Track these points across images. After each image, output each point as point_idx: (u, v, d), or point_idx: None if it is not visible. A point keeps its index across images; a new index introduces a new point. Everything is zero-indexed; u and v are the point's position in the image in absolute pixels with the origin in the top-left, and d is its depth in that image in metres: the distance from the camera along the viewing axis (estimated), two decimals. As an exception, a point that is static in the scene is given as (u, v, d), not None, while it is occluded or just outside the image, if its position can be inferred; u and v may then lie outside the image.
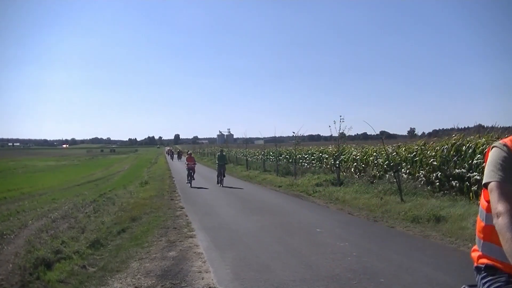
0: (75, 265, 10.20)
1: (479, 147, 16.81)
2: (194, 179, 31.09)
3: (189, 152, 32.90)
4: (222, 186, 29.03)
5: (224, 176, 31.00)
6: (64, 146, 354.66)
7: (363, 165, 26.24)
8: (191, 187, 28.55)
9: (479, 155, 16.46)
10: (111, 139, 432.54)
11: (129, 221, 15.53)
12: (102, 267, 9.95)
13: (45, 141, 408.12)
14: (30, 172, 71.07)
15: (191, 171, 31.15)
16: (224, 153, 34.46)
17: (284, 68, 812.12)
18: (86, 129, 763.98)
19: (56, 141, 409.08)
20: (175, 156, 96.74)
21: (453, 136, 18.96)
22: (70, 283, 8.95)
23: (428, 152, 19.60)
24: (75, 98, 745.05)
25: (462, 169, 16.83)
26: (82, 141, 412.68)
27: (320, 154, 34.53)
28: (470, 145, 17.37)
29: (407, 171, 20.94)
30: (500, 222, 2.41)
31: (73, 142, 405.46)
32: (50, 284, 8.91)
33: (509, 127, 20.14)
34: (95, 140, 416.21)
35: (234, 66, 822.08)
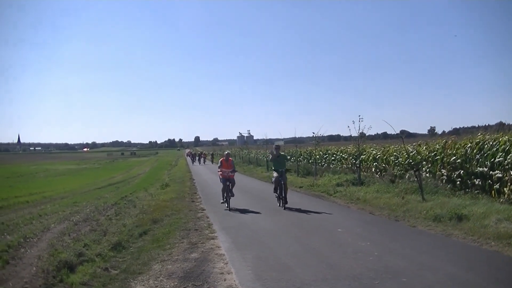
0: (97, 268, 10.25)
1: (502, 145, 16.70)
2: (233, 195, 20.45)
3: (226, 153, 21.90)
4: (285, 208, 18.48)
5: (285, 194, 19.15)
6: (85, 149, 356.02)
7: (383, 165, 26.14)
8: (230, 210, 18.73)
9: (501, 153, 16.35)
10: (132, 142, 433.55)
11: (150, 223, 15.57)
12: (124, 269, 9.99)
13: (66, 145, 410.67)
14: (51, 176, 71.69)
15: (228, 183, 20.15)
16: (282, 152, 22.59)
17: (303, 69, 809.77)
18: (106, 132, 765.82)
19: (77, 144, 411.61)
20: (197, 158, 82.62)
21: (479, 135, 18.84)
22: (93, 285, 9.00)
23: (449, 150, 19.48)
24: (96, 102, 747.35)
25: (484, 168, 16.72)
26: (103, 145, 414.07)
27: (340, 154, 34.45)
28: (493, 143, 17.26)
29: (428, 170, 20.82)
30: None
31: (93, 145, 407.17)
32: (73, 287, 8.96)
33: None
34: (116, 143, 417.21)
35: (253, 68, 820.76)
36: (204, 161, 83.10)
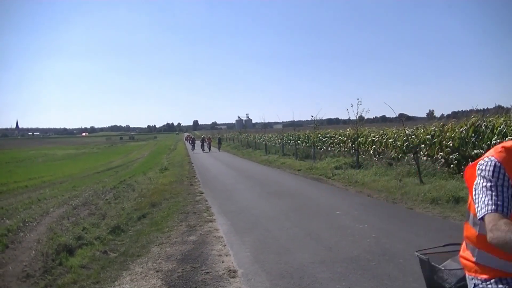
0: (96, 251, 10.33)
1: (498, 127, 16.71)
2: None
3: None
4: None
5: None
6: (84, 134, 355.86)
7: (382, 148, 26.16)
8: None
9: (497, 136, 16.37)
10: (130, 126, 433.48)
11: (149, 207, 15.64)
12: (123, 252, 10.06)
13: (65, 129, 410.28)
14: (50, 161, 71.75)
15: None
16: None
17: (302, 53, 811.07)
18: (105, 117, 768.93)
19: (75, 129, 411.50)
20: (198, 143, 66.98)
21: (472, 117, 18.83)
22: (92, 268, 9.06)
23: (447, 133, 19.50)
24: (94, 87, 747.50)
25: (481, 150, 16.74)
26: (101, 129, 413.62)
27: (339, 137, 34.49)
28: (488, 125, 17.27)
29: (426, 153, 20.86)
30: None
31: (92, 130, 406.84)
32: (72, 270, 9.01)
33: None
34: (114, 128, 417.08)
35: (251, 52, 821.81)
36: (209, 148, 66.22)
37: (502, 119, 17.11)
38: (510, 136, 15.81)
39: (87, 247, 10.79)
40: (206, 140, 69.10)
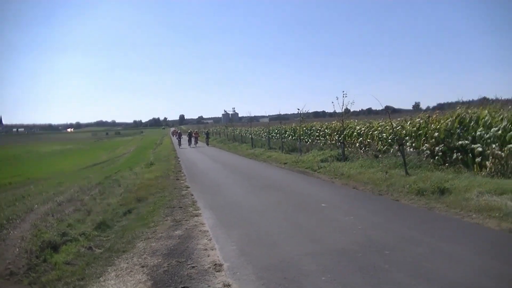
0: (81, 247, 10.28)
1: (482, 118, 16.78)
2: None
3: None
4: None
5: None
6: (69, 130, 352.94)
7: (368, 140, 26.19)
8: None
9: (482, 127, 16.43)
10: (116, 121, 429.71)
11: (135, 202, 15.60)
12: (108, 248, 10.02)
13: (50, 125, 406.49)
14: (35, 158, 71.37)
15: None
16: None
17: (288, 46, 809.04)
18: (90, 112, 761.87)
19: (60, 125, 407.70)
20: (185, 138, 64.89)
21: (457, 109, 18.89)
22: (77, 264, 9.03)
23: (432, 125, 19.55)
24: (79, 82, 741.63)
25: (466, 141, 16.80)
26: (87, 125, 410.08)
27: (325, 130, 34.50)
28: (473, 117, 17.34)
29: (412, 144, 20.90)
30: None
31: (77, 125, 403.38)
32: (57, 266, 8.97)
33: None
34: (100, 123, 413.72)
35: (237, 45, 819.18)
36: (196, 142, 62.21)
37: (486, 110, 17.19)
38: (494, 127, 15.88)
39: (72, 243, 10.72)
40: (194, 134, 64.69)
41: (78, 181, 28.13)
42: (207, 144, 60.49)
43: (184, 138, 66.18)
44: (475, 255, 7.65)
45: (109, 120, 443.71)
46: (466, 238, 8.74)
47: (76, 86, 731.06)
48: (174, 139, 76.95)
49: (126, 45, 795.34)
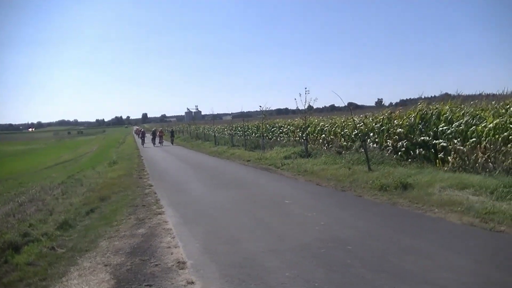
0: (43, 247, 10.16)
1: (444, 114, 17.01)
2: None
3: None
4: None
5: None
6: (30, 129, 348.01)
7: (331, 137, 26.34)
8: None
9: (443, 123, 16.64)
10: (78, 120, 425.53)
11: (97, 201, 15.49)
12: (71, 247, 9.92)
13: (10, 125, 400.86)
14: (-4, 158, 70.38)
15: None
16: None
17: (250, 43, 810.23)
18: (52, 111, 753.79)
19: (21, 125, 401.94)
20: (149, 137, 61.62)
21: (419, 105, 19.10)
22: (39, 265, 8.91)
23: (395, 121, 19.74)
24: (39, 80, 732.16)
25: (427, 137, 17.00)
26: (49, 124, 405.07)
27: (288, 127, 34.63)
28: (435, 112, 17.55)
29: (375, 140, 21.07)
30: None
31: (39, 125, 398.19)
32: (18, 267, 8.87)
33: (472, 94, 20.42)
34: (62, 123, 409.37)
35: (199, 42, 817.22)
36: (161, 142, 58.97)
37: (447, 106, 17.43)
38: (456, 122, 16.10)
39: (33, 243, 10.62)
40: (158, 133, 60.63)
41: (40, 181, 27.91)
42: (172, 143, 58.27)
43: (148, 137, 63.62)
44: (438, 249, 7.71)
45: (71, 119, 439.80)
46: (428, 232, 8.82)
47: (36, 84, 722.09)
48: (138, 138, 74.13)
49: (87, 42, 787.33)
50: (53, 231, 11.69)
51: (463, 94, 20.38)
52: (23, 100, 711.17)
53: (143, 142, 59.34)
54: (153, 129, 66.11)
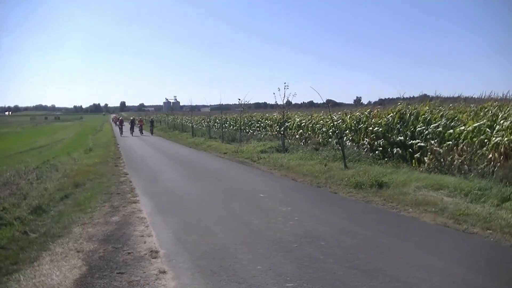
0: (16, 231, 10.10)
1: (422, 114, 17.16)
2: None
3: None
4: None
5: None
6: (6, 113, 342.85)
7: (308, 133, 26.44)
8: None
9: (421, 123, 16.79)
10: (56, 106, 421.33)
11: (72, 188, 15.40)
12: (44, 232, 9.87)
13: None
14: (-31, 140, 69.61)
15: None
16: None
17: (230, 35, 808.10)
18: (29, 96, 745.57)
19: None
20: (127, 126, 60.80)
21: (398, 105, 19.25)
22: (11, 248, 8.86)
23: (373, 120, 19.86)
24: (17, 63, 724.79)
25: (405, 137, 17.13)
26: (26, 108, 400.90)
27: (266, 121, 34.72)
28: (413, 112, 17.70)
29: (351, 138, 21.18)
30: None
31: (16, 109, 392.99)
32: (-11, 251, 8.81)
33: (451, 96, 20.63)
34: (39, 108, 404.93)
35: (178, 32, 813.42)
36: (141, 132, 56.71)
37: (427, 107, 17.59)
38: (434, 123, 16.25)
39: (6, 227, 10.55)
40: (138, 122, 58.74)
41: (14, 165, 27.60)
42: (152, 133, 55.61)
43: (126, 125, 61.09)
44: (410, 248, 7.77)
45: (49, 104, 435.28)
46: (402, 231, 8.88)
47: (15, 67, 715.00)
48: (115, 127, 72.46)
49: (66, 27, 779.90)
50: (26, 215, 11.64)
51: (441, 96, 20.58)
52: (1, 83, 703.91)
53: (121, 131, 55.25)
54: (131, 118, 63.76)
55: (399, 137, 17.42)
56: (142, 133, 55.60)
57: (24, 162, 29.27)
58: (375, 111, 20.70)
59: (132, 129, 56.93)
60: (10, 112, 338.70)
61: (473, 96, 19.31)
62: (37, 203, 13.06)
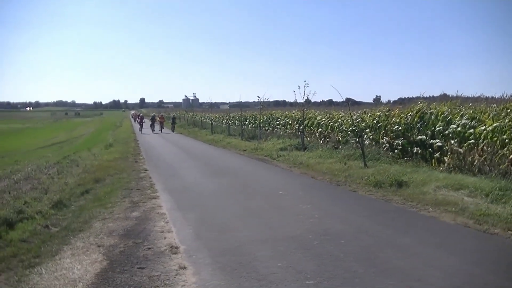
0: (37, 225, 10.22)
1: (442, 114, 17.05)
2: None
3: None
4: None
5: None
6: (28, 108, 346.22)
7: (328, 131, 26.38)
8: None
9: (441, 123, 16.68)
10: (76, 102, 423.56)
11: (92, 183, 15.52)
12: (65, 227, 9.99)
13: (8, 103, 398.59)
14: (-8, 135, 70.18)
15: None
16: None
17: (250, 33, 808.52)
18: (50, 91, 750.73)
19: (19, 103, 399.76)
20: (148, 123, 57.37)
21: (419, 103, 19.14)
22: (33, 242, 8.97)
23: (393, 119, 19.77)
24: (39, 60, 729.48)
25: (425, 136, 17.04)
26: (46, 104, 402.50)
27: (285, 119, 34.67)
28: (434, 112, 17.59)
29: (371, 137, 21.10)
30: None
31: (37, 105, 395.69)
32: (12, 243, 8.90)
33: (471, 96, 20.46)
34: (60, 103, 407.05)
35: (199, 29, 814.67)
36: (161, 129, 54.62)
37: (446, 106, 17.48)
38: (454, 123, 16.15)
39: (28, 221, 10.68)
40: (158, 119, 56.11)
41: (35, 160, 27.86)
42: (173, 131, 53.55)
43: (147, 122, 58.85)
44: (430, 248, 7.72)
45: (69, 100, 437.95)
46: (422, 231, 8.81)
47: (36, 64, 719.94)
48: (135, 123, 71.79)
49: (88, 24, 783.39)
50: (47, 209, 11.76)
51: (462, 95, 20.43)
52: (23, 79, 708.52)
53: (141, 128, 53.91)
54: (152, 114, 61.21)
55: (419, 136, 17.32)
56: (162, 131, 53.42)
57: (45, 157, 29.55)
58: (395, 110, 20.59)
59: (152, 126, 54.62)
60: (31, 108, 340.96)
61: (494, 96, 19.12)
62: (58, 197, 13.18)
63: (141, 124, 55.29)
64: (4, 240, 9.22)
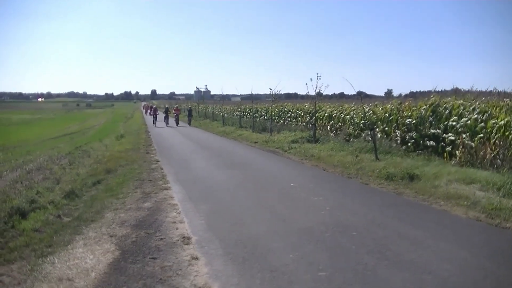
0: (50, 215, 10.23)
1: (455, 108, 16.99)
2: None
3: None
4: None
5: None
6: (40, 99, 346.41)
7: (339, 124, 26.35)
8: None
9: (455, 117, 16.62)
10: (87, 93, 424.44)
11: (104, 173, 15.53)
12: (77, 217, 9.99)
13: (20, 94, 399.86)
14: (4, 126, 70.39)
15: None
16: None
17: (262, 25, 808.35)
18: (62, 82, 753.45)
19: (31, 94, 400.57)
20: (162, 116, 52.60)
21: (431, 97, 19.07)
22: (45, 231, 8.98)
23: (405, 112, 19.72)
24: (51, 51, 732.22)
25: (438, 130, 16.98)
26: (58, 95, 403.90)
27: (297, 111, 34.64)
28: (447, 106, 17.53)
29: (383, 130, 21.05)
30: None
31: (48, 95, 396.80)
32: (25, 233, 8.92)
33: (484, 90, 20.36)
34: (71, 94, 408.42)
35: (211, 20, 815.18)
36: (177, 122, 50.59)
37: (460, 100, 17.41)
38: (466, 117, 16.09)
39: (40, 211, 10.69)
40: (174, 111, 52.89)
41: (47, 150, 27.92)
42: (189, 124, 49.61)
43: (160, 115, 54.97)
44: (442, 241, 7.71)
45: (81, 91, 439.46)
46: (433, 224, 8.81)
47: (48, 55, 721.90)
48: (146, 115, 70.87)
49: (100, 17, 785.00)
50: (59, 199, 11.76)
51: (475, 90, 20.35)
52: (35, 70, 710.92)
53: (155, 121, 49.64)
54: (165, 106, 57.30)
55: (432, 130, 17.27)
56: (179, 124, 49.48)
57: (57, 147, 29.62)
58: (407, 103, 20.53)
59: (166, 118, 50.26)
60: (43, 99, 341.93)
61: (507, 91, 19.02)
62: (70, 187, 13.20)
63: (155, 116, 50.93)
64: (17, 230, 9.24)
